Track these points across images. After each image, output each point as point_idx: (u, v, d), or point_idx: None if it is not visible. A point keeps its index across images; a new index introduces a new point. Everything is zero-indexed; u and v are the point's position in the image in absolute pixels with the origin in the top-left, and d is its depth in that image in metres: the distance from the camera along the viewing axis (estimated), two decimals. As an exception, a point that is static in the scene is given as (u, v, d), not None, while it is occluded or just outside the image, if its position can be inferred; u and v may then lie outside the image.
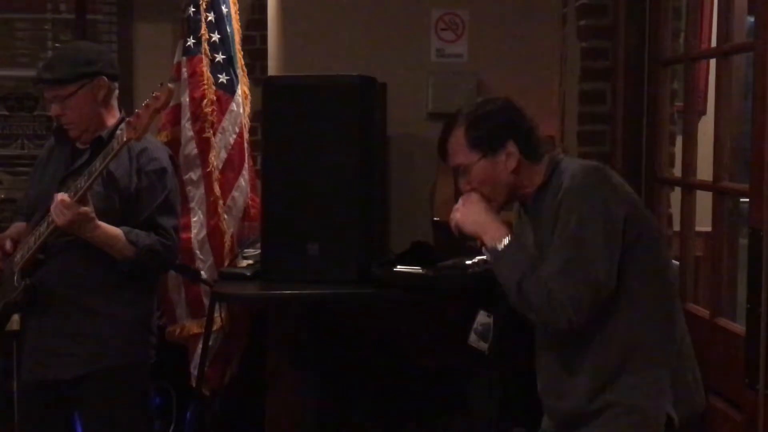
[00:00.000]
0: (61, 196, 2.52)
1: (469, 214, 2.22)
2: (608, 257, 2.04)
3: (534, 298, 2.06)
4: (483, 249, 2.21)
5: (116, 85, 2.75)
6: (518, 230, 2.30)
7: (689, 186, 2.76)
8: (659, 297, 2.14)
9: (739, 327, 2.36)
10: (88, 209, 2.53)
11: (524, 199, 2.26)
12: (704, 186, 2.67)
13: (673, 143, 3.14)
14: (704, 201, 2.73)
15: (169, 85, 2.56)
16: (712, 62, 3.01)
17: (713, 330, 2.47)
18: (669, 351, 2.13)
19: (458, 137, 2.22)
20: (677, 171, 3.01)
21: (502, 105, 2.26)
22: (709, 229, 2.61)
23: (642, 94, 3.05)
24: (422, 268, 2.95)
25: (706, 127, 2.89)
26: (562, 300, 2.02)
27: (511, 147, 2.19)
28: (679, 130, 3.14)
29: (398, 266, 3.03)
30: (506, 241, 2.15)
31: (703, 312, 2.58)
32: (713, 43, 2.80)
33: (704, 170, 2.76)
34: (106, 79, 2.69)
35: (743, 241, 2.48)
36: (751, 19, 2.43)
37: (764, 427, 2.13)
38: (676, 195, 2.96)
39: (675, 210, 3.01)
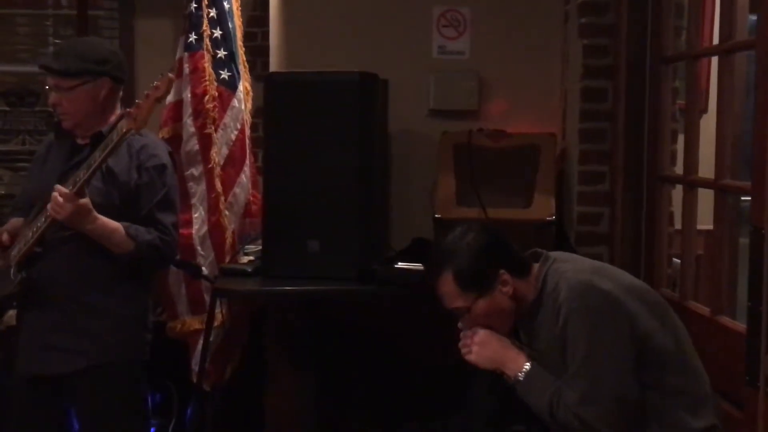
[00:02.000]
0: (59, 188, 2.51)
1: (484, 352, 2.23)
2: (625, 369, 2.08)
3: (568, 423, 2.10)
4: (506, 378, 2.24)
5: (121, 87, 2.74)
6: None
7: (691, 183, 2.75)
8: (684, 365, 2.17)
9: (739, 325, 2.36)
10: (86, 201, 2.52)
11: (520, 314, 2.26)
12: (706, 183, 2.67)
13: (674, 141, 3.14)
14: (705, 199, 2.73)
15: (169, 74, 2.54)
16: (714, 60, 3.01)
17: (714, 328, 2.47)
18: (709, 403, 2.17)
19: (448, 284, 2.20)
20: (678, 169, 3.01)
21: (478, 234, 2.23)
22: (709, 227, 2.61)
23: (644, 91, 3.05)
24: (423, 265, 2.94)
25: (707, 125, 2.89)
26: (592, 422, 2.06)
27: (504, 275, 2.19)
28: (680, 128, 3.14)
29: (399, 263, 3.03)
30: (526, 368, 2.18)
31: (704, 310, 2.58)
32: (715, 41, 2.80)
33: (705, 169, 2.76)
34: (110, 80, 2.67)
35: (743, 240, 2.48)
36: (753, 17, 2.43)
37: (765, 424, 2.14)
38: (677, 193, 2.96)
39: (676, 208, 3.01)
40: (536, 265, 2.24)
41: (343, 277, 3.02)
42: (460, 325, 2.28)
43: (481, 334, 2.24)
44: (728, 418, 2.30)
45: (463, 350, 2.27)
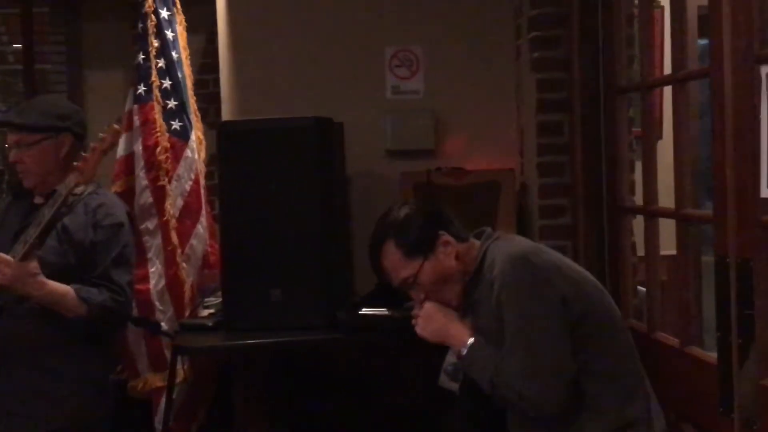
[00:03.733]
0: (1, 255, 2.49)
1: (428, 325, 2.25)
2: (560, 343, 2.07)
3: (508, 398, 2.10)
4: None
5: (81, 145, 2.73)
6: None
7: (652, 214, 2.74)
8: (619, 352, 2.17)
9: (709, 355, 2.34)
10: (33, 265, 2.48)
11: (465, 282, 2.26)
12: (667, 213, 2.66)
13: (632, 170, 3.14)
14: (666, 223, 2.72)
15: (115, 125, 2.57)
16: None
17: (684, 359, 2.45)
18: (640, 395, 2.16)
19: (392, 253, 2.24)
20: (638, 198, 3.01)
21: (414, 205, 2.29)
22: (672, 252, 2.59)
23: (599, 123, 3.05)
24: (388, 310, 2.90)
25: (663, 149, 2.89)
26: (532, 397, 2.06)
27: (444, 236, 2.23)
28: (636, 156, 3.14)
29: (364, 309, 2.98)
30: (470, 342, 2.18)
31: (673, 341, 2.56)
32: (667, 66, 2.81)
33: (663, 194, 2.75)
34: (71, 137, 2.69)
35: (706, 259, 2.47)
36: (703, 41, 2.44)
37: (741, 456, 2.11)
38: (638, 220, 2.95)
39: (638, 234, 2.99)
40: (478, 242, 2.26)
41: (308, 325, 2.95)
42: (413, 297, 2.28)
43: (426, 307, 2.25)
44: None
45: (415, 323, 2.28)
